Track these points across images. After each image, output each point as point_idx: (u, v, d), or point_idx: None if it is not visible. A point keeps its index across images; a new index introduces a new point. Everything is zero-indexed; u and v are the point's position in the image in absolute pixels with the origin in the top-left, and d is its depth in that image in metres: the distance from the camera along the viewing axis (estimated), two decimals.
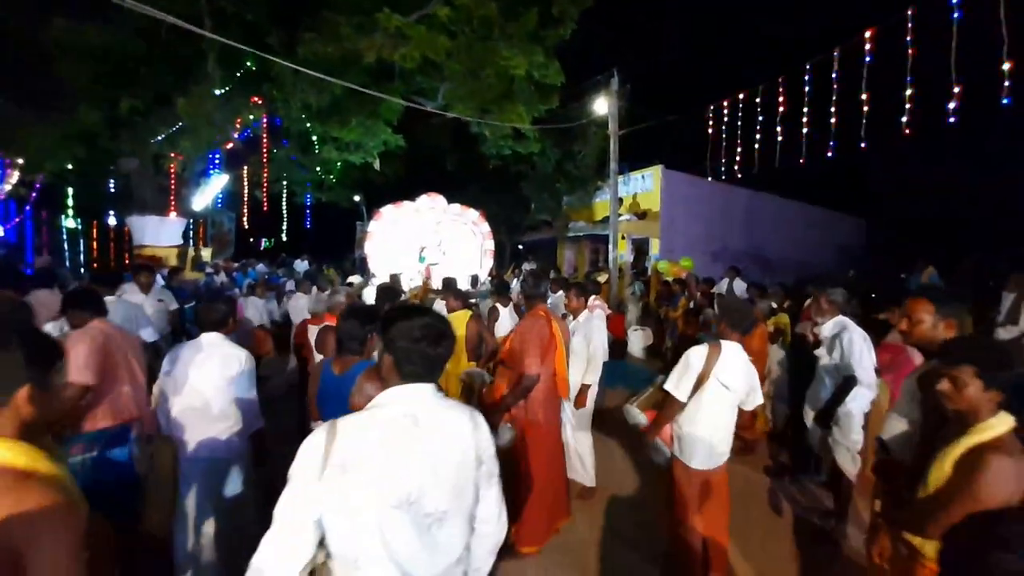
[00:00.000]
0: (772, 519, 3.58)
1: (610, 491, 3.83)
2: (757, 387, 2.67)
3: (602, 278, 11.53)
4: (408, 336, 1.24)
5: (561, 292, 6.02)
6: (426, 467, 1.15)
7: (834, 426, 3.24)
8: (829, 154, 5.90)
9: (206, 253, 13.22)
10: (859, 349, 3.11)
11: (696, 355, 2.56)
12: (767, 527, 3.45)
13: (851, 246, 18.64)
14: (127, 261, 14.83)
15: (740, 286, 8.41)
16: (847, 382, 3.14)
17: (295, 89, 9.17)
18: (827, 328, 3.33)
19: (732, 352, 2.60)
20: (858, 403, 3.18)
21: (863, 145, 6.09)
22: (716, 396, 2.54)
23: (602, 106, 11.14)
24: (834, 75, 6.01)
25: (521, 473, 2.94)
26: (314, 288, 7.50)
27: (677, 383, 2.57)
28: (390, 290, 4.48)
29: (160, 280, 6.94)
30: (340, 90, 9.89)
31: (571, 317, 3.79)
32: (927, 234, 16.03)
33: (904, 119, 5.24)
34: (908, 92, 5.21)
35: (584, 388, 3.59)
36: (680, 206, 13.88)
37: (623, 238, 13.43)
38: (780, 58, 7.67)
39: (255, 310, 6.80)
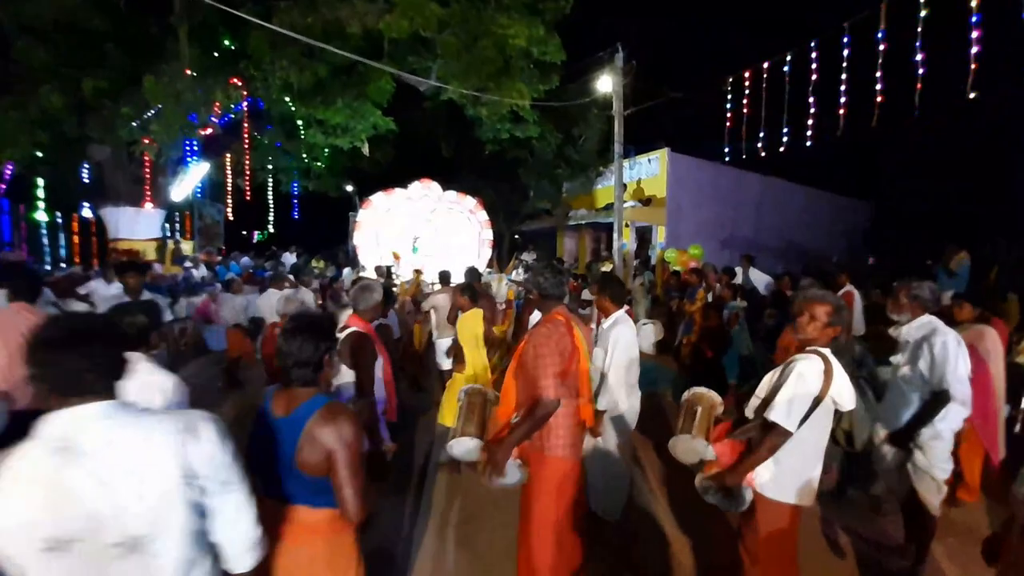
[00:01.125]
0: (830, 556, 3.00)
1: (630, 525, 3.24)
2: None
3: (606, 268, 10.93)
4: (36, 346, 1.08)
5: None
6: (88, 499, 1.04)
7: (916, 450, 2.65)
8: (873, 123, 5.25)
9: (187, 246, 12.50)
10: (954, 357, 2.51)
11: (812, 373, 2.01)
12: (828, 568, 2.87)
13: (858, 231, 18.07)
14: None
15: (760, 278, 7.79)
16: (937, 398, 2.55)
17: (274, 67, 8.40)
18: (911, 330, 2.72)
19: (837, 363, 2.06)
20: (949, 423, 2.59)
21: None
22: (827, 418, 2.06)
23: (606, 84, 10.41)
24: (881, 45, 5.36)
25: (533, 518, 2.34)
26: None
27: (789, 410, 1.99)
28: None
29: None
30: (324, 69, 9.16)
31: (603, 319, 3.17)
32: (938, 219, 15.43)
33: (967, 86, 4.60)
34: (975, 63, 4.58)
35: (598, 415, 2.92)
36: (687, 192, 13.22)
37: (627, 226, 12.79)
38: (795, 35, 7.01)
39: (230, 308, 6.17)
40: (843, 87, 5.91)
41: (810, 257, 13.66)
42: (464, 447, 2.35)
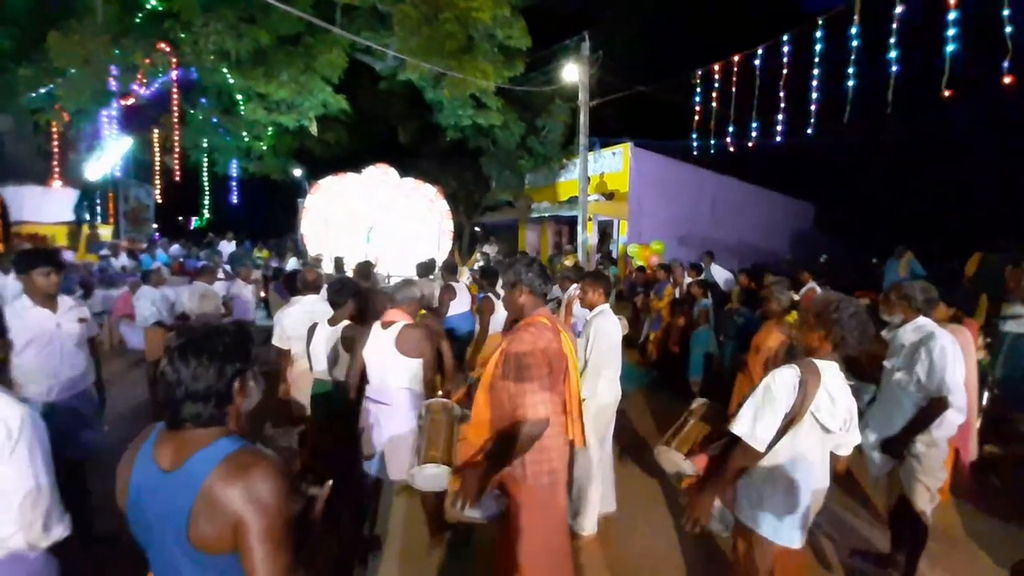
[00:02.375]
0: (817, 568, 2.85)
1: (610, 544, 2.97)
2: (856, 421, 1.88)
3: (568, 262, 10.70)
4: None
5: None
6: None
7: (911, 458, 2.52)
8: (850, 118, 5.24)
9: (106, 231, 11.11)
10: (952, 363, 2.38)
11: (783, 384, 1.74)
12: None
13: (803, 230, 18.93)
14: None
15: (720, 274, 7.81)
16: (934, 405, 2.41)
17: (207, 30, 7.44)
18: (905, 334, 2.58)
19: (833, 377, 1.80)
20: (945, 431, 2.47)
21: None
22: (812, 441, 1.78)
23: (572, 73, 10.12)
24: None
25: (512, 556, 1.98)
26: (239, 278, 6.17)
27: (753, 425, 1.75)
28: (349, 285, 3.06)
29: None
30: (266, 36, 8.27)
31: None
32: (880, 221, 16.35)
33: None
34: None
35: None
36: (649, 187, 13.24)
37: (589, 219, 12.63)
38: (754, 34, 7.01)
39: (149, 302, 5.34)
40: (815, 83, 5.91)
41: (762, 255, 14.10)
42: (429, 477, 1.94)
